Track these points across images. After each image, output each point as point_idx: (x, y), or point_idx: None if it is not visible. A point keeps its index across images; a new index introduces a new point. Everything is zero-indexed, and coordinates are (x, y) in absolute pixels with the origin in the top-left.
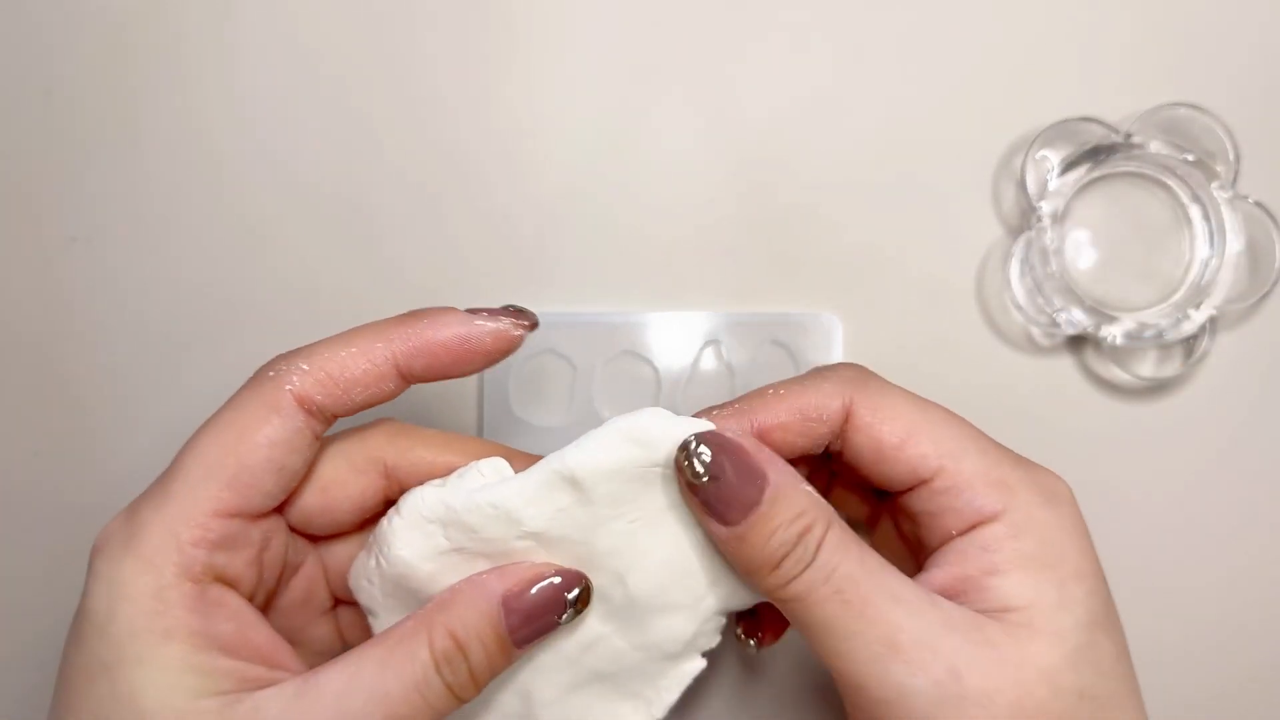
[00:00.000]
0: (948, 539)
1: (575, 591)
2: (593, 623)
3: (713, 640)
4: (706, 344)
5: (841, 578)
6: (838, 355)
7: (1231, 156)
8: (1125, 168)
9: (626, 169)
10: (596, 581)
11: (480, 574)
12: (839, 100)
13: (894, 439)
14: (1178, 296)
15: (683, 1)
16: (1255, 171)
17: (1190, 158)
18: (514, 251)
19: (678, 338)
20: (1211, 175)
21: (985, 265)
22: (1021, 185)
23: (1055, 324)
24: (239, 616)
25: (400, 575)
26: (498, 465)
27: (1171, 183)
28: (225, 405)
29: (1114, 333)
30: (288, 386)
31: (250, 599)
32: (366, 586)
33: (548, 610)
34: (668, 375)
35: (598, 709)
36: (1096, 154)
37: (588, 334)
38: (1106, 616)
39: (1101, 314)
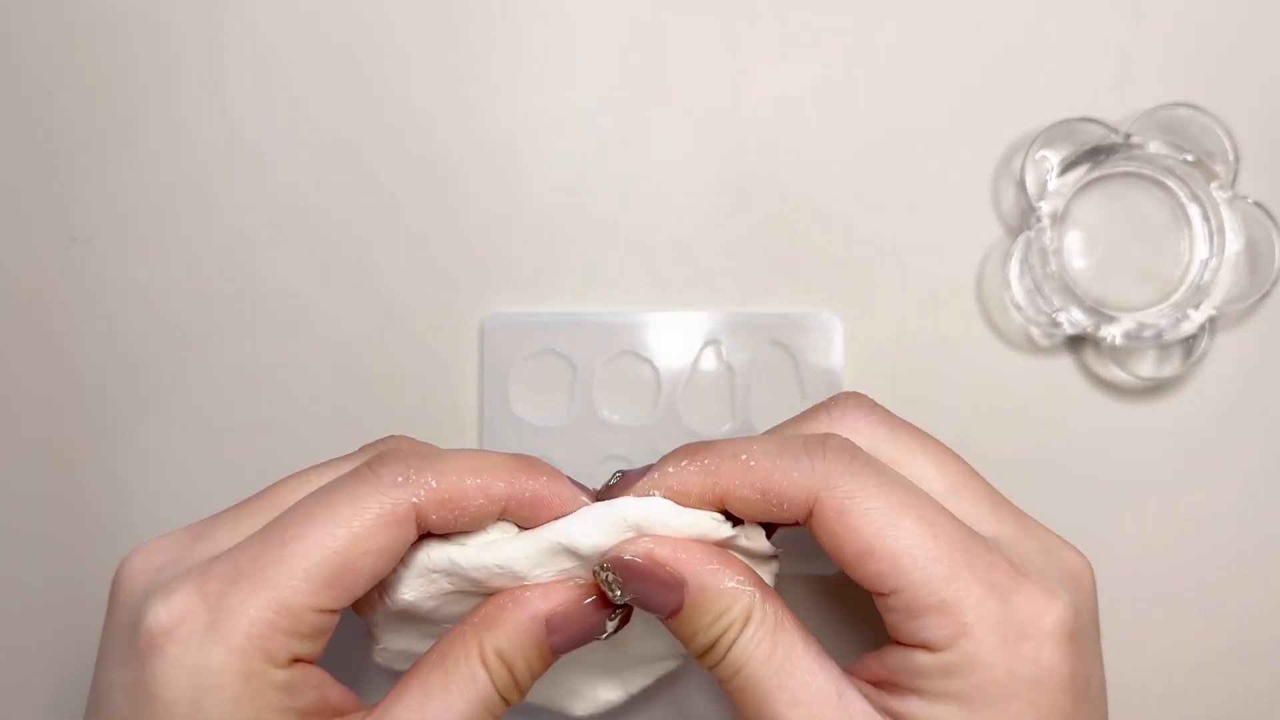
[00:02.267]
0: (897, 641)
1: (616, 614)
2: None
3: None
4: (706, 344)
5: (745, 677)
6: (838, 355)
7: (1231, 157)
8: (1125, 168)
9: (626, 169)
10: None
11: (524, 590)
12: (838, 100)
13: (853, 549)
14: (1177, 296)
15: (684, 3)
16: (1254, 171)
17: (1189, 158)
18: (514, 251)
19: (678, 338)
20: (1211, 175)
21: (985, 265)
22: (1021, 185)
23: (1055, 324)
24: (318, 685)
25: (403, 612)
26: (504, 527)
27: (1171, 183)
28: (340, 491)
29: (1113, 333)
30: (414, 499)
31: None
32: (369, 613)
33: (589, 630)
34: (668, 375)
35: (576, 679)
36: (1096, 154)
37: (588, 334)
38: None
39: (1101, 314)
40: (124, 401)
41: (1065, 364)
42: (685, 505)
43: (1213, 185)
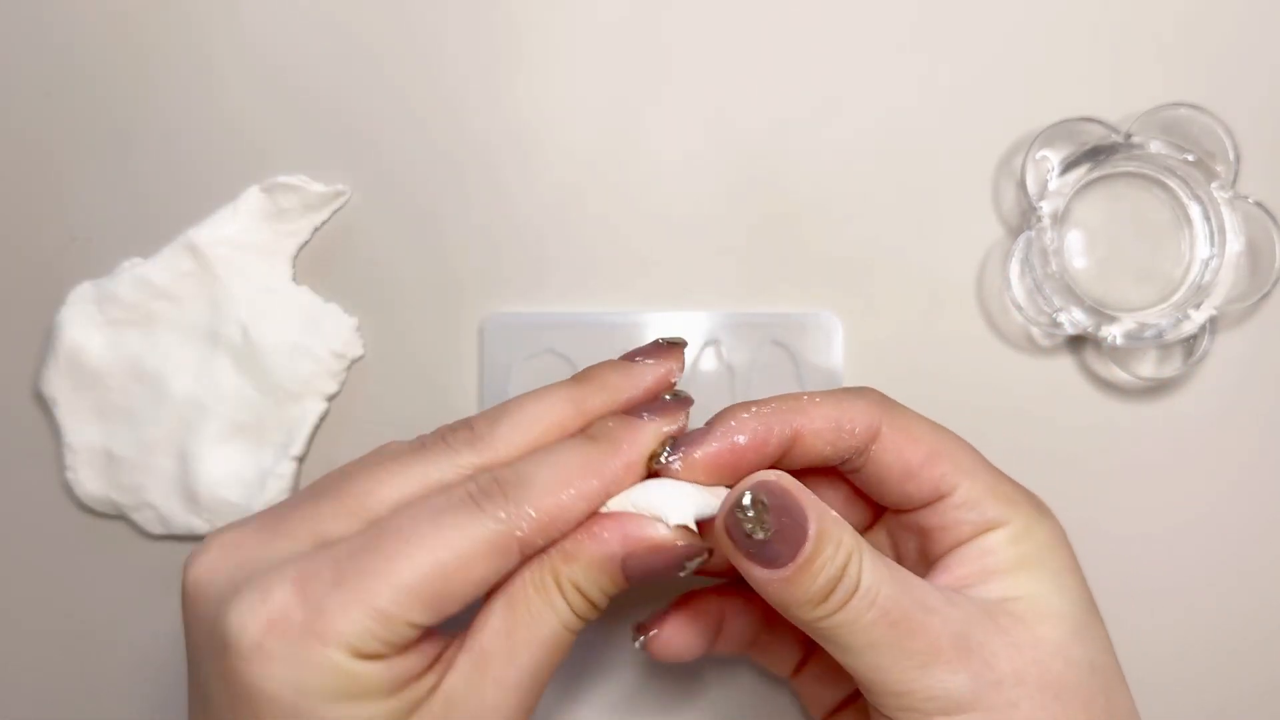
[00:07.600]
0: (955, 546)
1: (695, 560)
2: (230, 375)
3: (329, 386)
4: (706, 344)
5: (885, 599)
6: (838, 355)
7: (1231, 156)
8: (1125, 168)
9: (627, 169)
10: (223, 331)
11: (600, 527)
12: (839, 100)
13: (918, 458)
14: (1178, 296)
15: (684, 2)
16: (1255, 171)
17: (1190, 158)
18: (514, 251)
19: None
20: (1211, 175)
21: (985, 265)
22: (1021, 185)
23: (1055, 324)
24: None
25: (73, 356)
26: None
27: (1171, 183)
28: (448, 515)
29: (1114, 333)
30: (517, 533)
31: None
32: (43, 372)
33: (665, 574)
34: None
35: (240, 454)
36: (1096, 154)
37: (588, 334)
38: (1094, 607)
39: (1101, 314)
40: None
41: (1065, 364)
42: (765, 450)
43: (1213, 185)
